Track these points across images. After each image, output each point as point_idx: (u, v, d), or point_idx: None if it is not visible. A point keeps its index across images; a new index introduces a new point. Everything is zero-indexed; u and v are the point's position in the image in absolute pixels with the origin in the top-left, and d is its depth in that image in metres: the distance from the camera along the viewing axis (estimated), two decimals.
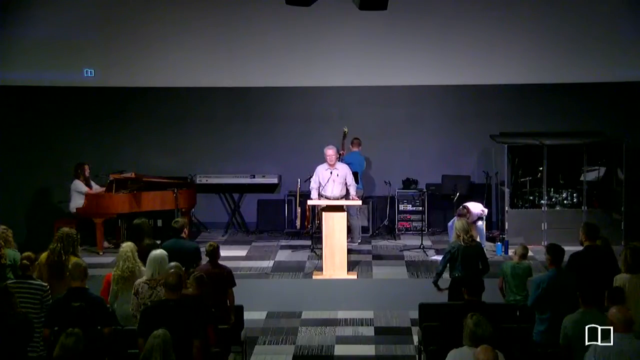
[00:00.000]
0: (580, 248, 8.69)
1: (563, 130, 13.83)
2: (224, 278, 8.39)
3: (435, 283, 9.34)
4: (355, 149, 13.60)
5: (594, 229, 8.69)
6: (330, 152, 12.03)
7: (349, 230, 13.12)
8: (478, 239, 12.20)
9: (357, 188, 12.89)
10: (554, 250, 7.88)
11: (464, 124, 14.31)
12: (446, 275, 9.47)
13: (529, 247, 12.83)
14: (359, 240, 13.23)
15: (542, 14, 13.77)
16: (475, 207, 12.22)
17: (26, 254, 8.04)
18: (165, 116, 14.52)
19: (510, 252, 10.18)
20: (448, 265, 9.20)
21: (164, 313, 6.67)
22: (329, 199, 11.91)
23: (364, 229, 13.73)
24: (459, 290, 8.66)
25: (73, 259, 8.14)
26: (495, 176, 13.79)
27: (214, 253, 8.45)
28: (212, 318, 7.32)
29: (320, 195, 12.05)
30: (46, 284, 7.70)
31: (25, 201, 14.32)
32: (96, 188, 13.11)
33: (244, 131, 14.48)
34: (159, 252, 7.88)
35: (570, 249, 12.89)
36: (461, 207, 11.94)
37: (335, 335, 9.53)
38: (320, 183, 12.06)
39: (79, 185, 12.91)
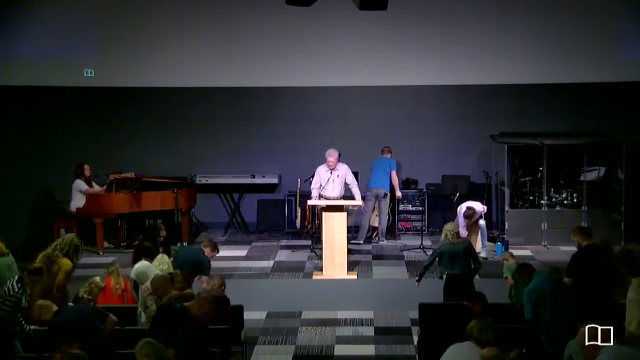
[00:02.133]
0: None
1: (563, 130, 13.82)
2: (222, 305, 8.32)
3: (421, 275, 9.51)
4: (385, 155, 13.55)
5: (587, 230, 8.80)
6: (331, 158, 12.03)
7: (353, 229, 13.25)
8: (479, 239, 12.27)
9: (383, 188, 13.13)
10: (525, 268, 8.24)
11: (464, 124, 14.30)
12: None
13: (528, 247, 12.94)
14: (362, 241, 13.25)
15: (542, 14, 13.77)
16: (477, 206, 12.23)
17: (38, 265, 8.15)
18: (165, 116, 14.51)
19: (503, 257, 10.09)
20: (439, 264, 9.40)
21: (177, 317, 6.67)
22: (329, 199, 11.92)
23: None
24: (452, 286, 8.96)
25: (65, 261, 8.23)
26: (495, 176, 13.78)
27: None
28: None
29: (320, 196, 12.07)
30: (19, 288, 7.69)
31: (25, 201, 14.31)
32: (97, 188, 13.10)
33: (244, 131, 14.47)
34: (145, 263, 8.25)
35: (570, 249, 12.92)
36: (466, 209, 11.92)
37: (335, 335, 9.53)
38: (320, 184, 12.07)
39: (80, 184, 12.91)
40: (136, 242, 9.58)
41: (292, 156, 14.30)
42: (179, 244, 10.31)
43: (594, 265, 8.34)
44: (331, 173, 12.06)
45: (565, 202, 13.31)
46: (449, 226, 9.43)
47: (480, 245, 12.35)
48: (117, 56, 14.00)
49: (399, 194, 13.49)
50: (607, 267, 8.24)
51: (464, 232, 11.90)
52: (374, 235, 13.55)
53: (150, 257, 9.17)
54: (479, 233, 12.33)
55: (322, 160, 12.24)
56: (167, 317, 6.69)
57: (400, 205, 14.16)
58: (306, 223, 13.28)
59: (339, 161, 12.28)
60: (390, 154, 13.56)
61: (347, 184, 12.21)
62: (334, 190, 12.08)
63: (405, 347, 9.07)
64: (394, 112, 14.43)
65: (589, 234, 8.76)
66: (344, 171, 12.17)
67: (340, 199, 12.05)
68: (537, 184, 13.41)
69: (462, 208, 12.09)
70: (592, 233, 8.92)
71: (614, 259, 8.30)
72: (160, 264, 8.83)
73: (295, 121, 14.44)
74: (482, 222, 12.35)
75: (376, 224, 13.49)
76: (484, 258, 12.17)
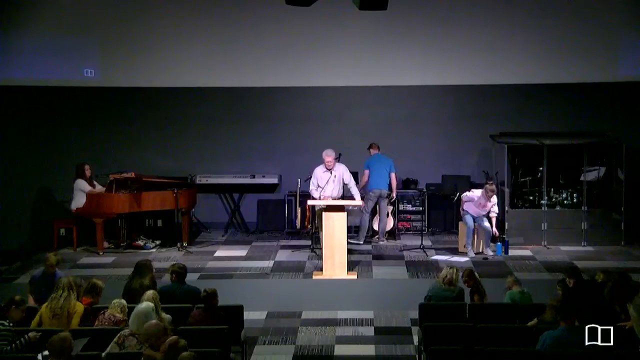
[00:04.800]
0: (580, 249, 8.68)
1: (563, 130, 13.83)
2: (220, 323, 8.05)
3: None
4: (376, 152, 13.50)
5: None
6: (329, 158, 12.03)
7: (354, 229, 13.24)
8: (483, 239, 12.28)
9: (387, 189, 13.17)
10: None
11: (464, 124, 14.31)
12: None
13: (528, 247, 12.93)
14: (362, 241, 13.22)
15: (542, 14, 13.77)
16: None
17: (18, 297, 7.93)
18: (165, 116, 14.52)
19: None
20: None
21: None
22: (325, 198, 11.91)
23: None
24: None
25: (79, 306, 8.04)
26: (495, 176, 13.77)
27: (208, 299, 8.18)
28: None
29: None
30: (8, 323, 7.48)
31: (25, 201, 14.31)
32: (99, 188, 13.09)
33: (244, 131, 14.47)
34: (144, 305, 7.55)
35: (569, 249, 13.01)
36: (491, 182, 12.35)
37: (335, 335, 9.51)
38: (318, 185, 12.05)
39: (82, 184, 12.89)
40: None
41: (292, 156, 14.31)
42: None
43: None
44: (331, 173, 12.06)
45: (565, 202, 13.31)
46: (444, 272, 8.85)
47: (484, 245, 12.39)
48: (117, 56, 14.01)
49: (394, 195, 13.47)
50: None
51: (467, 206, 12.31)
52: (376, 236, 13.57)
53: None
54: (484, 234, 12.36)
55: (322, 160, 12.23)
56: None
57: (400, 205, 14.15)
58: (306, 223, 13.29)
59: (336, 161, 12.28)
60: (378, 150, 13.51)
61: (346, 184, 12.20)
62: (333, 190, 12.07)
63: (405, 347, 9.06)
64: (393, 112, 14.44)
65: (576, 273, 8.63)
66: (341, 171, 12.16)
67: (340, 198, 12.05)
68: (537, 184, 13.41)
69: (477, 192, 12.36)
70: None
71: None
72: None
73: (295, 121, 14.44)
74: (486, 224, 12.35)
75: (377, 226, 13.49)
76: (484, 258, 12.20)
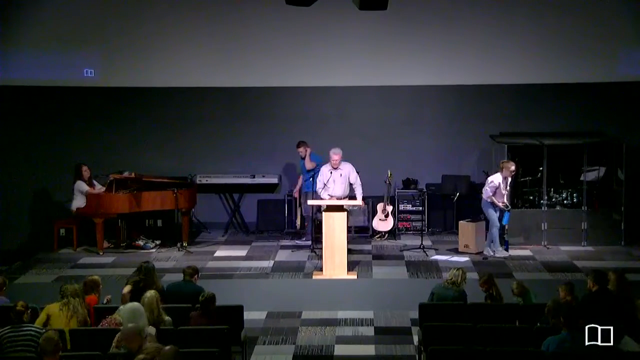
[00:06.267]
0: (580, 249, 8.61)
1: (563, 130, 13.83)
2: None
3: None
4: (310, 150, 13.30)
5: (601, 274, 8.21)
6: (336, 157, 12.00)
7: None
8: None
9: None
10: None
11: (464, 124, 14.31)
12: None
13: (528, 247, 12.93)
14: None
15: (541, 14, 13.77)
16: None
17: (20, 302, 7.66)
18: (165, 116, 14.51)
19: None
20: None
21: None
22: (332, 198, 11.91)
23: (364, 229, 13.73)
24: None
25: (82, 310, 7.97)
26: None
27: (205, 304, 8.12)
28: None
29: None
30: (42, 328, 7.45)
31: (25, 201, 14.31)
32: (99, 188, 13.08)
33: (244, 131, 14.47)
34: (131, 304, 7.65)
35: (569, 249, 13.01)
36: (507, 160, 12.28)
37: (335, 335, 9.51)
38: (324, 183, 12.03)
39: (81, 185, 12.88)
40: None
41: (292, 156, 14.29)
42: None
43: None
44: (331, 173, 12.04)
45: (565, 202, 13.31)
46: (450, 273, 8.76)
47: (485, 244, 12.39)
48: (117, 56, 14.01)
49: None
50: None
51: (489, 193, 12.11)
52: (377, 236, 13.56)
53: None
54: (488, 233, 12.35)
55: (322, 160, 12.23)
56: None
57: (400, 205, 14.15)
58: (306, 223, 13.28)
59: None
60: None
61: (351, 184, 12.19)
62: (335, 189, 12.06)
63: (405, 347, 9.06)
64: (394, 112, 14.43)
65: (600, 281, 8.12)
66: (347, 170, 12.14)
67: (345, 198, 12.03)
68: (537, 184, 13.41)
69: (494, 180, 12.15)
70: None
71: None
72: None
73: (295, 121, 14.43)
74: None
75: (381, 228, 13.45)
76: (484, 258, 12.20)
